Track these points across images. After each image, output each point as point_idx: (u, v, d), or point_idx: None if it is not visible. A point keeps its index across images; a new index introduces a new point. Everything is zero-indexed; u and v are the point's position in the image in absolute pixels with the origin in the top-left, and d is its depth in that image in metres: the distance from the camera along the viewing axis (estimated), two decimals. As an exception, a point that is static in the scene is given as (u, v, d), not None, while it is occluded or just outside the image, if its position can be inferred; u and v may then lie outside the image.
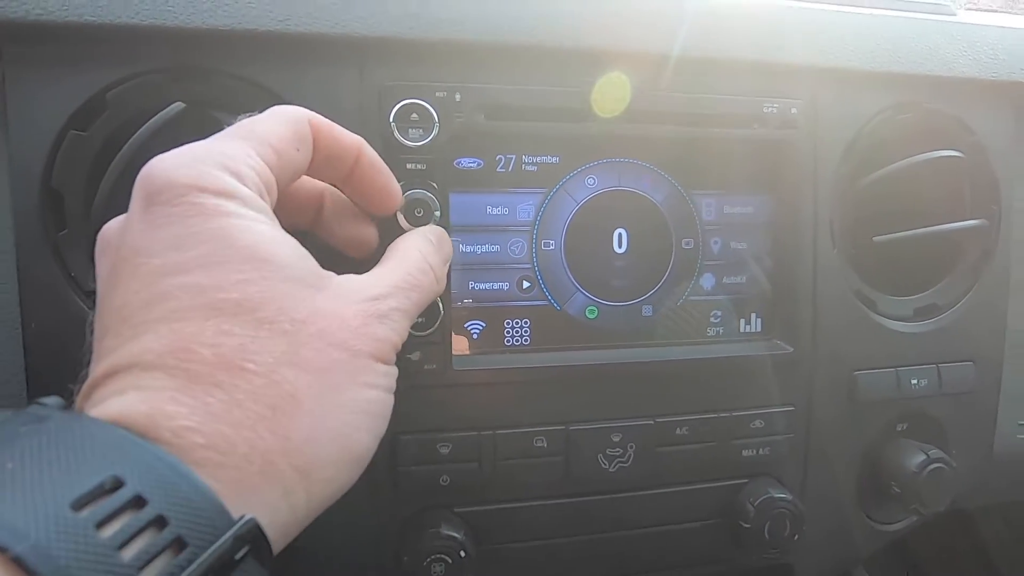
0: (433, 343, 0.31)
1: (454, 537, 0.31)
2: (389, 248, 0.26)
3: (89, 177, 0.29)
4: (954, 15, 0.43)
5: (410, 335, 0.31)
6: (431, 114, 0.30)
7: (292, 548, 0.32)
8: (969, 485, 0.42)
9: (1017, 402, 0.44)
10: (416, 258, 0.25)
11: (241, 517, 0.16)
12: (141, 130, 0.28)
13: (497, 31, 0.31)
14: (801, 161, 0.36)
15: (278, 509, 0.17)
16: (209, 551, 0.15)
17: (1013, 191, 0.41)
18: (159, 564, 0.14)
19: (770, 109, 0.35)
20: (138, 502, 0.15)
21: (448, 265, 0.28)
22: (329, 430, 0.19)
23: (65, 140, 0.29)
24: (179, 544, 0.15)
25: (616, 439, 0.34)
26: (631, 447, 0.34)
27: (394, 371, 0.22)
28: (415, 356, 0.31)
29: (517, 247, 0.34)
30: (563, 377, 0.33)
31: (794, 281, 0.37)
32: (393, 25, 0.31)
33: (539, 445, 0.33)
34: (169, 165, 0.19)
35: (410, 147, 0.30)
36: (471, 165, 0.33)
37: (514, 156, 0.33)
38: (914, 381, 0.39)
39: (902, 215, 0.39)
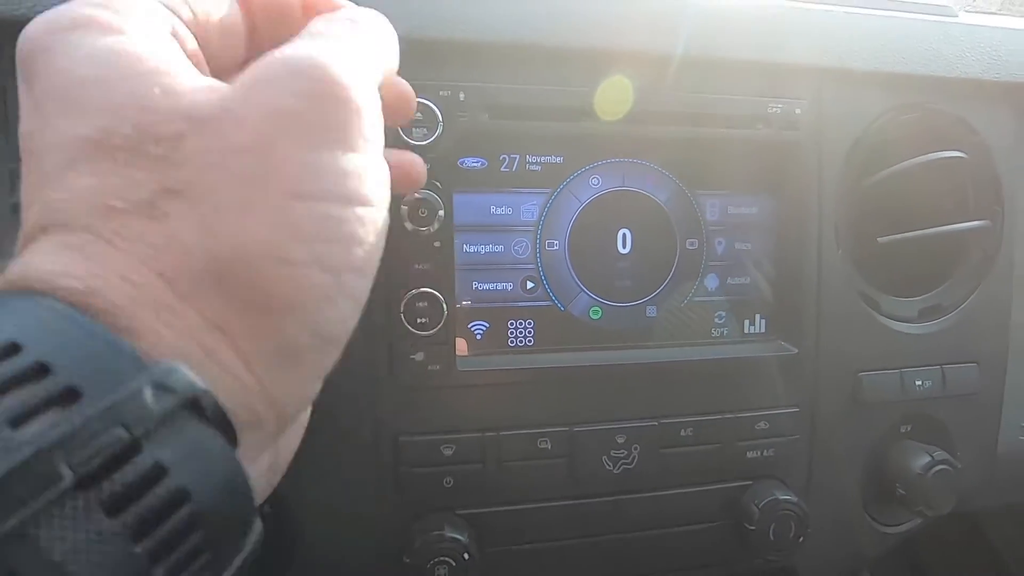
0: (437, 343, 0.31)
1: (457, 539, 0.31)
2: None
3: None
4: (956, 16, 0.43)
5: (414, 335, 0.31)
6: (435, 113, 0.30)
7: (292, 549, 0.32)
8: (973, 487, 0.42)
9: (1021, 404, 0.44)
10: None
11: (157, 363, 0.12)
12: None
13: (502, 30, 0.31)
14: (805, 161, 0.36)
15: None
16: (111, 398, 0.11)
17: (1016, 192, 0.41)
18: (44, 419, 0.11)
19: (774, 109, 0.35)
20: (14, 348, 0.12)
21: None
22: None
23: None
24: (71, 395, 0.12)
25: (620, 440, 0.34)
26: (635, 448, 0.34)
27: None
28: (419, 356, 0.31)
29: (521, 247, 0.34)
30: (567, 378, 0.33)
31: (798, 282, 0.37)
32: (397, 23, 0.30)
33: (543, 446, 0.33)
34: None
35: (414, 146, 0.30)
36: (475, 165, 0.33)
37: (518, 156, 0.33)
38: (918, 382, 0.39)
39: (906, 216, 0.39)
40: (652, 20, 0.33)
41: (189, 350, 0.14)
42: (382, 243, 0.17)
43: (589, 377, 0.33)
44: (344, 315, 0.16)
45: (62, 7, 0.15)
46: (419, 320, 0.31)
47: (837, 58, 0.36)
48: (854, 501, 0.40)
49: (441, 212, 0.31)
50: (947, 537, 0.54)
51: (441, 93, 0.30)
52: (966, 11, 0.55)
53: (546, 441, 0.33)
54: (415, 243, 0.30)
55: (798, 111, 0.35)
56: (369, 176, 0.16)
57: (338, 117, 0.15)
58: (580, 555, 0.35)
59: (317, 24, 0.17)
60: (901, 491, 0.38)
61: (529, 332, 0.34)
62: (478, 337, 0.33)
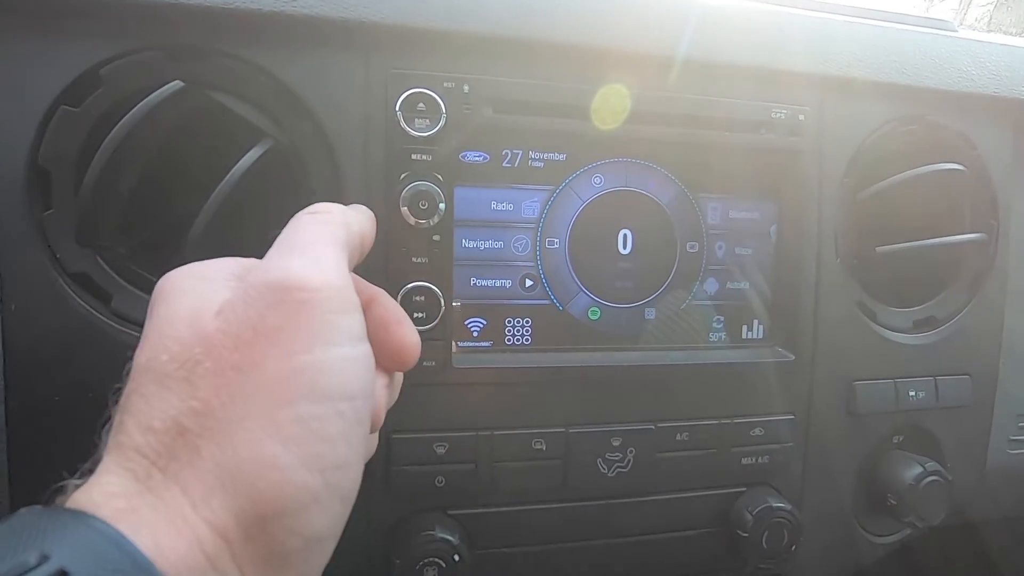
0: (433, 339, 0.30)
1: (448, 540, 0.30)
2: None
3: (79, 155, 0.28)
4: (955, 31, 0.44)
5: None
6: (438, 105, 0.30)
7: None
8: (963, 498, 0.42)
9: (1010, 417, 0.44)
10: None
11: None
12: (136, 108, 0.27)
13: (509, 24, 0.31)
14: (807, 168, 0.36)
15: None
16: None
17: (1012, 206, 0.42)
18: None
19: (778, 115, 0.35)
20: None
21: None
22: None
23: (55, 115, 0.27)
24: None
25: (616, 443, 0.33)
26: (631, 452, 0.33)
27: None
28: (414, 352, 0.30)
29: (521, 244, 0.33)
30: (564, 378, 0.33)
31: (797, 289, 0.36)
32: (403, 12, 0.30)
33: (538, 447, 0.32)
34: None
35: (416, 137, 0.30)
36: (477, 159, 0.32)
37: (521, 151, 0.33)
38: (912, 393, 0.39)
39: (904, 226, 0.39)
40: (660, 22, 0.33)
41: (196, 560, 0.15)
42: (367, 435, 0.19)
43: (586, 378, 0.33)
44: (332, 514, 0.18)
45: (188, 267, 0.19)
46: (416, 315, 0.30)
47: (840, 66, 0.36)
48: (846, 510, 0.40)
49: (442, 205, 0.30)
50: (940, 547, 0.54)
51: (445, 84, 0.30)
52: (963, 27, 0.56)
53: (541, 442, 0.32)
54: (414, 236, 0.30)
55: (802, 117, 0.35)
56: (348, 368, 0.18)
57: (312, 320, 0.17)
58: (572, 559, 0.34)
59: (291, 229, 0.20)
60: (892, 501, 0.38)
61: (527, 331, 0.33)
62: (475, 334, 0.33)
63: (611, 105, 0.32)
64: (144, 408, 0.17)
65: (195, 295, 0.18)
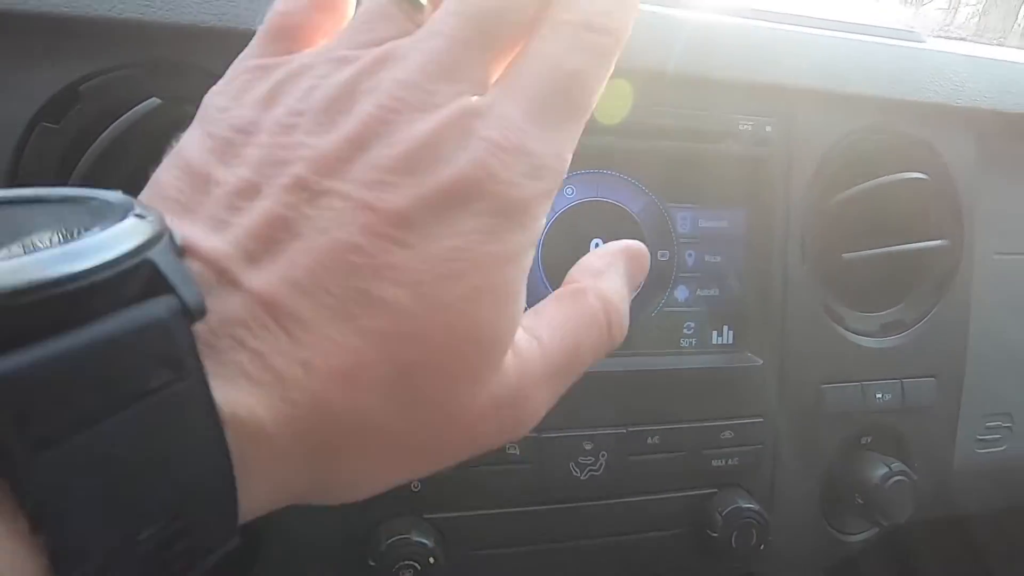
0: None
1: (424, 543, 0.31)
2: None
3: (58, 171, 0.29)
4: (922, 42, 0.45)
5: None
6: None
7: (254, 551, 0.32)
8: (929, 498, 0.43)
9: (977, 418, 0.46)
10: None
11: None
12: (115, 124, 0.28)
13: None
14: (774, 178, 0.37)
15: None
16: None
17: (975, 213, 0.43)
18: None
19: (745, 127, 0.36)
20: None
21: None
22: None
23: (34, 132, 0.28)
24: None
25: (588, 447, 0.34)
26: (603, 455, 0.34)
27: None
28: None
29: (494, 254, 0.34)
30: (537, 384, 0.34)
31: (765, 295, 0.37)
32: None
33: (511, 451, 0.33)
34: None
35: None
36: (451, 171, 0.33)
37: (494, 163, 0.34)
38: (879, 395, 0.40)
39: (871, 233, 0.40)
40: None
41: None
42: None
43: (559, 384, 0.34)
44: None
45: None
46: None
47: (807, 79, 0.37)
48: (815, 509, 0.41)
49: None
50: (915, 544, 0.55)
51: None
52: (937, 36, 0.57)
53: (514, 447, 0.33)
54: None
55: (768, 128, 0.36)
56: None
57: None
58: (546, 561, 0.35)
59: (597, 262, 0.19)
60: (860, 500, 0.39)
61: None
62: (450, 342, 0.33)
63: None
64: None
65: None
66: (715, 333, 0.38)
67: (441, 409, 0.14)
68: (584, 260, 0.19)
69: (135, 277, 0.11)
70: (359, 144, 0.14)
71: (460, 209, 0.14)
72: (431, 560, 0.31)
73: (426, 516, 0.33)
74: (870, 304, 0.41)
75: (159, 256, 0.11)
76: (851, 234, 0.39)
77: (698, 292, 0.37)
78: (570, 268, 0.36)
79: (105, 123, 0.28)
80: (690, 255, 0.37)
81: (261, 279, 0.13)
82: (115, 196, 0.12)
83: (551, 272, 0.35)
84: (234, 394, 0.12)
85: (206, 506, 0.11)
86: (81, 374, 0.10)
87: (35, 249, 0.10)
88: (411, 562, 0.30)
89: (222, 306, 0.12)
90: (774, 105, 0.37)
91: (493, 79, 0.15)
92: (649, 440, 0.35)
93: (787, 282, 0.38)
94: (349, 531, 0.32)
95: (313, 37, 0.17)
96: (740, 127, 0.36)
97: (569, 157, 0.15)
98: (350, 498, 0.15)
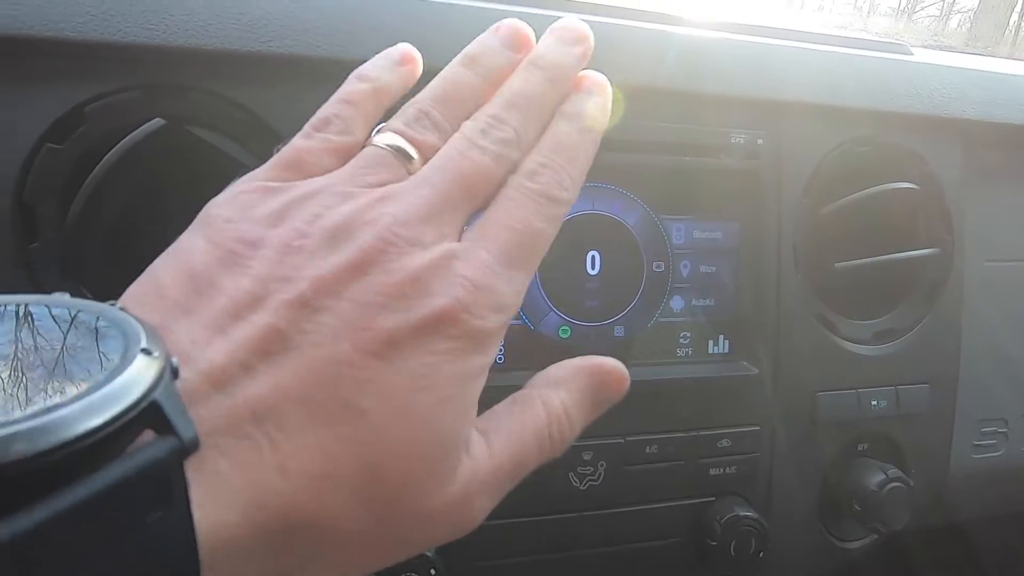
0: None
1: (424, 555, 0.31)
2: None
3: (63, 190, 0.29)
4: (910, 55, 0.46)
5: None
6: (410, 136, 0.31)
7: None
8: (926, 504, 0.43)
9: (972, 423, 0.46)
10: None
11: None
12: (118, 146, 0.28)
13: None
14: (766, 190, 0.38)
15: None
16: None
17: (965, 221, 0.43)
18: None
19: (737, 140, 0.36)
20: None
21: None
22: None
23: (40, 153, 0.29)
24: None
25: (587, 457, 0.34)
26: (601, 465, 0.35)
27: None
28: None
29: (492, 267, 0.34)
30: (536, 396, 0.34)
31: (759, 304, 0.38)
32: (378, 50, 0.31)
33: None
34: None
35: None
36: (449, 186, 0.33)
37: (491, 178, 0.34)
38: (873, 402, 0.41)
39: (863, 242, 0.40)
40: (621, 53, 0.34)
41: None
42: None
43: (557, 395, 0.34)
44: None
45: None
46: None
47: (797, 93, 0.38)
48: (812, 517, 0.41)
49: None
50: (913, 551, 0.55)
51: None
52: (925, 47, 0.58)
53: (514, 458, 0.33)
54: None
55: (760, 141, 0.37)
56: None
57: None
58: (547, 570, 0.35)
59: (557, 373, 0.21)
60: (857, 507, 0.40)
61: (500, 351, 0.35)
62: (449, 354, 0.34)
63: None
64: None
65: None
66: (711, 343, 0.38)
67: (404, 509, 0.16)
68: (547, 369, 0.21)
69: (141, 419, 0.12)
70: (359, 269, 0.16)
71: (437, 334, 0.16)
72: (432, 571, 0.31)
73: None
74: (863, 312, 0.42)
75: (163, 396, 0.12)
76: (843, 244, 0.40)
77: (693, 302, 0.38)
78: (567, 281, 0.37)
79: (109, 143, 0.28)
80: (685, 266, 0.37)
81: (252, 388, 0.14)
82: (119, 318, 0.13)
83: (548, 285, 0.35)
84: (212, 510, 0.13)
85: None
86: (91, 520, 0.11)
87: (58, 404, 0.11)
88: (412, 572, 0.31)
89: (211, 415, 0.14)
90: (765, 118, 0.38)
91: (465, 222, 0.18)
92: (647, 450, 0.35)
93: (781, 291, 0.38)
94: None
95: (319, 172, 0.19)
96: (732, 140, 0.36)
97: (523, 296, 0.18)
98: None
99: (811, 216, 0.40)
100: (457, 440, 0.16)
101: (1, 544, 0.10)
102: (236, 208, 0.17)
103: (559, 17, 0.25)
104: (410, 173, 0.18)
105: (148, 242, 0.31)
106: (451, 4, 0.34)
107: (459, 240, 0.17)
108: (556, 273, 0.35)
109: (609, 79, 0.35)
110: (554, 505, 0.35)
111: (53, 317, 0.13)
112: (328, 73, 0.31)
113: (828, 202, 0.40)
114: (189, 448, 0.12)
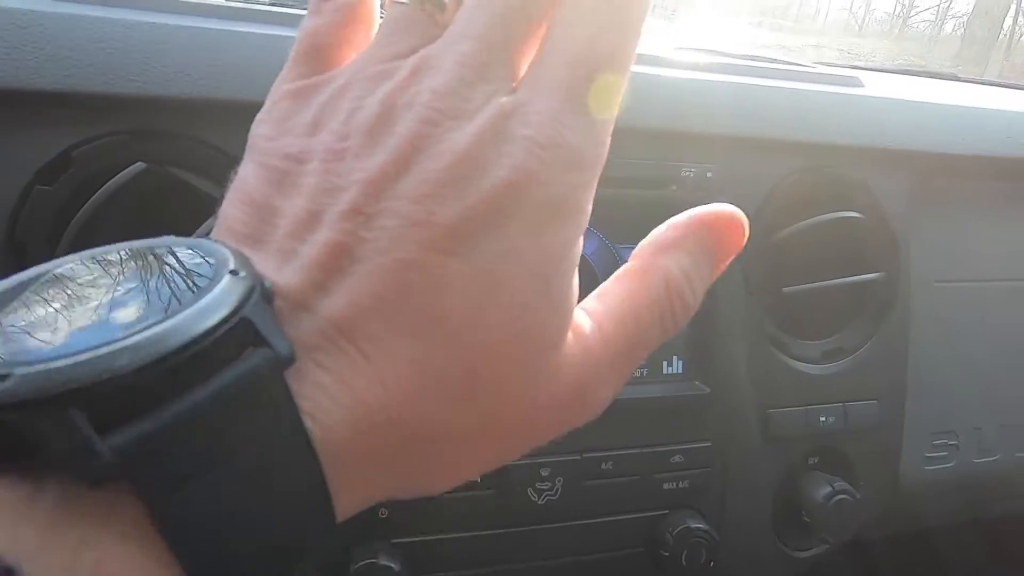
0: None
1: (391, 567, 0.34)
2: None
3: (53, 229, 0.31)
4: (862, 87, 0.48)
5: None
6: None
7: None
8: (875, 515, 0.45)
9: (923, 436, 0.48)
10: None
11: None
12: (102, 188, 0.30)
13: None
14: (717, 219, 0.40)
15: None
16: None
17: (911, 246, 0.46)
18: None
19: (687, 173, 0.39)
20: None
21: None
22: None
23: (31, 194, 0.31)
24: None
25: (545, 473, 0.37)
26: (559, 480, 0.37)
27: None
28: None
29: (456, 295, 0.37)
30: (497, 416, 0.36)
31: (712, 327, 0.40)
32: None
33: (472, 479, 0.35)
34: None
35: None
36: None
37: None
38: (822, 418, 0.43)
39: (812, 267, 0.43)
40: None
41: None
42: None
43: (517, 415, 0.36)
44: None
45: None
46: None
47: (745, 128, 0.41)
48: (766, 528, 0.43)
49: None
50: (879, 559, 0.57)
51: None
52: (883, 73, 0.60)
53: (476, 474, 0.36)
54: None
55: (709, 175, 0.39)
56: None
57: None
58: (508, 580, 0.37)
59: (667, 235, 0.18)
60: (806, 519, 0.42)
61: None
62: (415, 377, 0.36)
63: None
64: None
65: None
66: (665, 363, 0.40)
67: (511, 409, 0.15)
68: (655, 232, 0.18)
69: (234, 334, 0.12)
70: (405, 162, 0.14)
71: (506, 213, 0.14)
72: (396, 583, 0.33)
73: (394, 541, 0.35)
74: (813, 333, 0.44)
75: (254, 314, 0.12)
76: (792, 268, 0.42)
77: (648, 326, 0.40)
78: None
79: (95, 186, 0.31)
80: (640, 292, 0.40)
81: (332, 306, 0.13)
82: (210, 247, 0.14)
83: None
84: (323, 420, 0.13)
85: (308, 521, 0.13)
86: (205, 427, 0.12)
87: (154, 322, 0.12)
88: (377, 584, 0.33)
89: (302, 334, 0.13)
90: (715, 152, 0.40)
91: (522, 71, 0.15)
92: (603, 465, 0.38)
93: (733, 314, 0.41)
94: (319, 559, 0.35)
95: (344, 52, 0.17)
96: (683, 174, 0.39)
97: (607, 144, 0.16)
98: (425, 493, 0.16)
99: (762, 243, 0.42)
100: (559, 330, 0.15)
101: (109, 457, 0.10)
102: (273, 123, 0.16)
103: None
104: (443, 27, 0.16)
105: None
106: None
107: (511, 93, 0.15)
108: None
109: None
110: (514, 519, 0.37)
111: (154, 254, 0.14)
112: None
113: (778, 229, 0.42)
114: (285, 361, 0.12)
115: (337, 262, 0.14)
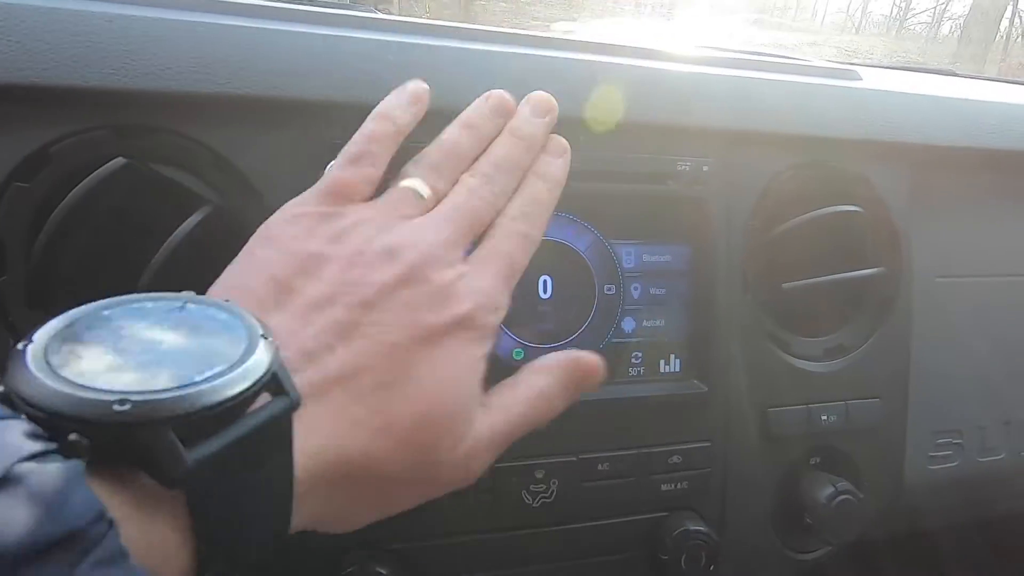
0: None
1: (381, 574, 0.33)
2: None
3: (31, 226, 0.31)
4: (860, 80, 0.47)
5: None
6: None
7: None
8: (879, 515, 0.44)
9: (926, 435, 0.47)
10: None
11: None
12: (80, 184, 0.30)
13: (437, 97, 0.34)
14: (714, 214, 0.39)
15: None
16: None
17: (914, 240, 0.45)
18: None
19: (683, 167, 0.38)
20: None
21: None
22: None
23: (8, 191, 0.30)
24: None
25: (539, 476, 0.36)
26: (554, 483, 0.36)
27: None
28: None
29: (447, 293, 0.36)
30: (490, 416, 0.35)
31: (709, 324, 0.39)
32: (330, 91, 0.33)
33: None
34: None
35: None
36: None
37: (445, 208, 0.36)
38: (824, 417, 0.42)
39: (812, 262, 0.42)
40: (570, 85, 0.36)
41: None
42: None
43: (511, 415, 0.36)
44: None
45: None
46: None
47: (744, 120, 0.40)
48: (767, 529, 0.42)
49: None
50: (882, 560, 0.56)
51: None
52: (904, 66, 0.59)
53: (468, 477, 0.35)
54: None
55: (706, 168, 0.38)
56: None
57: None
58: (502, 585, 0.36)
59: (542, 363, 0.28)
60: (809, 520, 0.41)
61: (455, 373, 0.36)
62: (406, 377, 0.35)
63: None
64: None
65: None
66: (663, 362, 0.39)
67: (433, 457, 0.22)
68: (538, 359, 0.28)
69: (266, 385, 0.17)
70: (408, 279, 0.22)
71: (461, 328, 0.23)
72: (389, 589, 0.32)
73: (385, 547, 0.34)
74: (813, 330, 0.43)
75: (279, 369, 0.18)
76: (791, 264, 0.41)
77: (644, 323, 0.39)
78: (519, 305, 0.38)
79: (74, 182, 0.30)
80: (636, 288, 0.39)
81: (335, 362, 0.21)
82: (240, 312, 0.19)
83: (502, 308, 0.37)
84: (312, 445, 0.19)
85: (277, 524, 0.19)
86: (245, 449, 0.17)
87: (220, 373, 0.17)
88: (369, 591, 0.32)
89: (306, 381, 0.20)
90: (711, 146, 0.39)
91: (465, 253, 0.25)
92: (599, 467, 0.37)
93: (731, 312, 0.40)
94: (313, 561, 0.34)
95: (358, 199, 0.25)
96: (679, 168, 0.38)
97: (508, 303, 0.26)
98: (349, 527, 0.24)
99: (760, 238, 0.41)
100: (473, 405, 0.23)
101: (190, 465, 0.16)
102: (301, 228, 0.24)
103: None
104: (424, 210, 0.25)
105: (112, 274, 0.32)
106: (414, 44, 0.36)
107: (465, 262, 0.24)
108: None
109: (559, 110, 0.36)
110: (508, 522, 0.36)
111: (195, 308, 0.19)
112: (283, 111, 0.33)
113: (776, 224, 0.41)
114: (296, 405, 0.18)
115: (345, 332, 0.21)
